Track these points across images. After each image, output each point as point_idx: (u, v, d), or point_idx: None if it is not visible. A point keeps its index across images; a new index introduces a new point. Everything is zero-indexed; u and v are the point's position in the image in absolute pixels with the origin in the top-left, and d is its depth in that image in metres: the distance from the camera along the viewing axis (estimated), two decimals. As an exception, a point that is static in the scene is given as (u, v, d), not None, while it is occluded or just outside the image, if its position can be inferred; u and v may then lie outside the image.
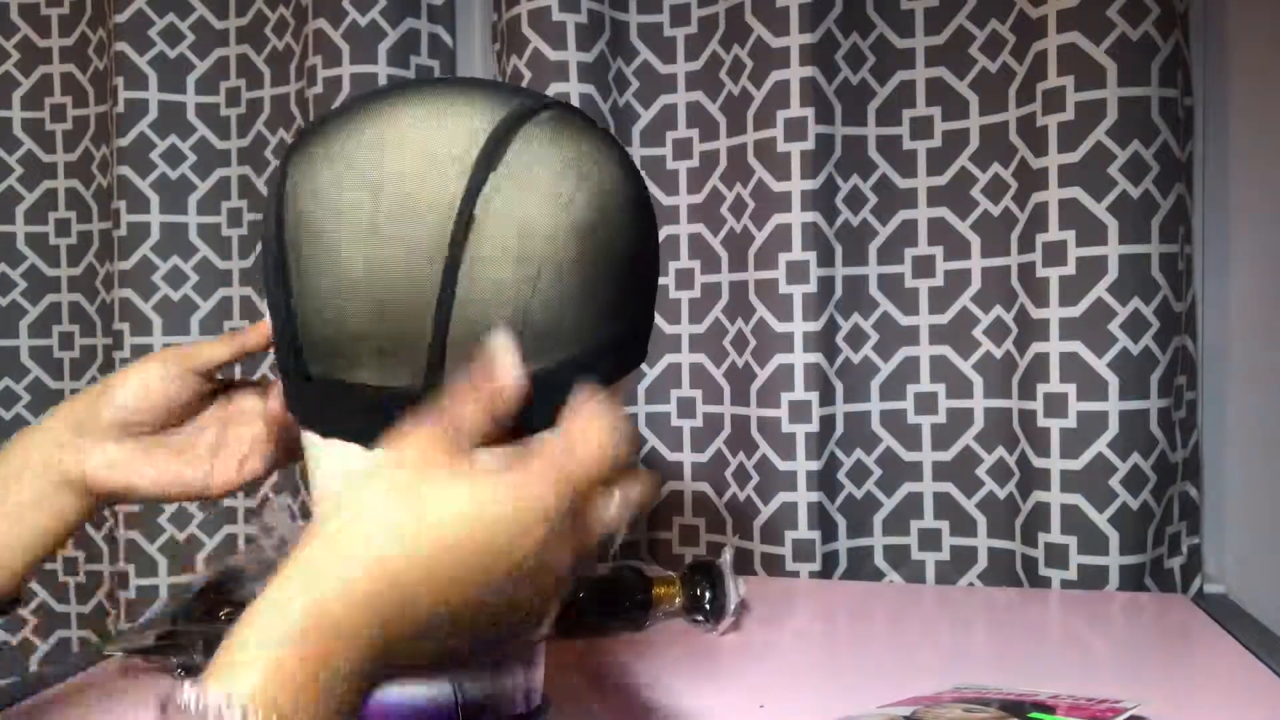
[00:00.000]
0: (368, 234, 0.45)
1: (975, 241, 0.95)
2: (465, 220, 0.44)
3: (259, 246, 0.55)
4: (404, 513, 0.35)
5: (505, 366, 0.40)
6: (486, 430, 0.39)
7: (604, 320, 0.45)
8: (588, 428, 0.39)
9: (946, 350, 0.97)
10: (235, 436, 0.57)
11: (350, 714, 0.34)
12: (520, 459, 0.38)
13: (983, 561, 0.96)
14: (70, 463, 0.51)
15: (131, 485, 0.53)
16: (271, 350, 0.52)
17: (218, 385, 0.57)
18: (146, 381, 0.52)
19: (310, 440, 0.50)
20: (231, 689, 0.31)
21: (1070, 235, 0.86)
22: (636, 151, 1.05)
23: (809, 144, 0.93)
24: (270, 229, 0.49)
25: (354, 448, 0.47)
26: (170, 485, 0.54)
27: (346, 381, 0.46)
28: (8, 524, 0.49)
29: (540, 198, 0.44)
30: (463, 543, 0.35)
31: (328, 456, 0.49)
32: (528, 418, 0.46)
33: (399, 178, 0.44)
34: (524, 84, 0.99)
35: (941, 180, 0.96)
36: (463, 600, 0.35)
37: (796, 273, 0.94)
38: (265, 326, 0.56)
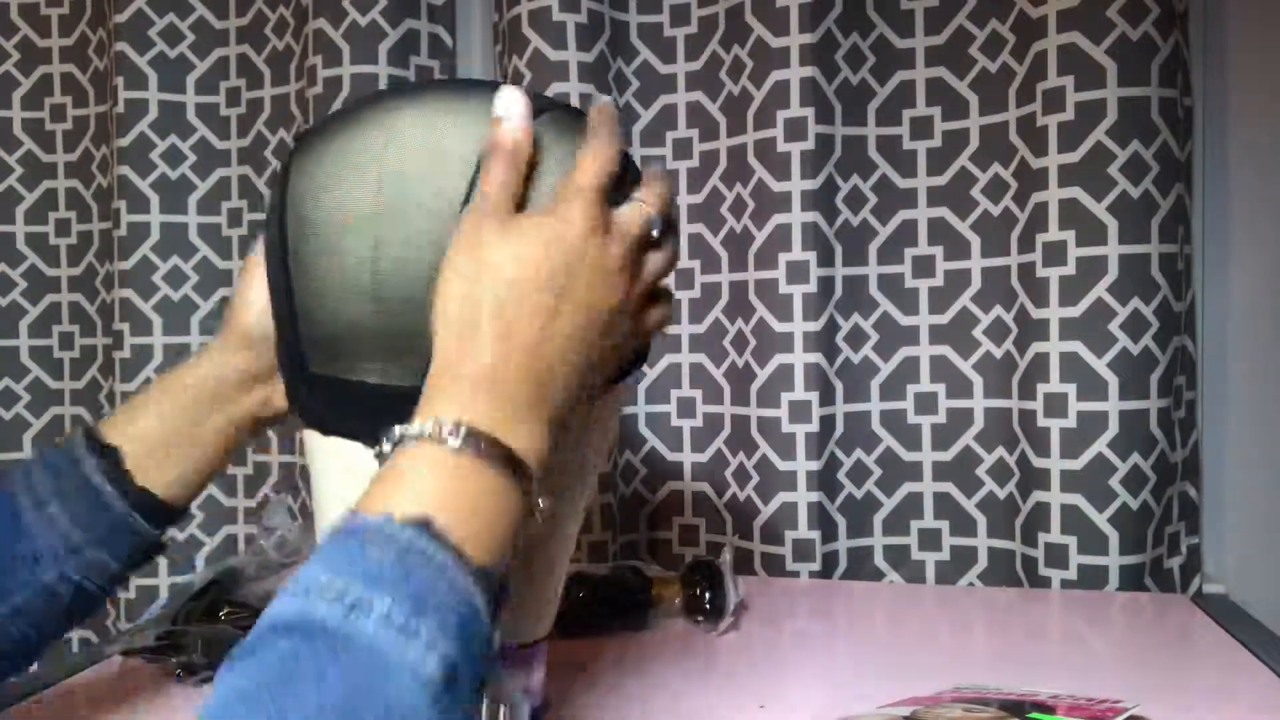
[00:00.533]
0: (368, 232, 0.45)
1: (975, 241, 0.95)
2: None
3: (260, 245, 0.55)
4: (469, 266, 0.40)
5: (514, 119, 0.43)
6: (517, 185, 0.43)
7: None
8: (583, 153, 0.44)
9: (946, 350, 0.97)
10: None
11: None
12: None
13: (983, 561, 0.96)
14: (245, 404, 0.56)
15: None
16: None
17: None
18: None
19: (311, 438, 0.50)
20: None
21: (1070, 235, 0.86)
22: (637, 151, 1.05)
23: (809, 144, 0.93)
24: (273, 228, 0.49)
25: (355, 446, 0.47)
26: None
27: (348, 380, 0.46)
28: (193, 449, 0.56)
29: (538, 196, 0.44)
30: (527, 268, 0.40)
31: (328, 454, 0.49)
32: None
33: (400, 176, 0.45)
34: (524, 84, 0.99)
35: (941, 180, 0.96)
36: (554, 310, 0.40)
37: (796, 273, 0.94)
38: None
